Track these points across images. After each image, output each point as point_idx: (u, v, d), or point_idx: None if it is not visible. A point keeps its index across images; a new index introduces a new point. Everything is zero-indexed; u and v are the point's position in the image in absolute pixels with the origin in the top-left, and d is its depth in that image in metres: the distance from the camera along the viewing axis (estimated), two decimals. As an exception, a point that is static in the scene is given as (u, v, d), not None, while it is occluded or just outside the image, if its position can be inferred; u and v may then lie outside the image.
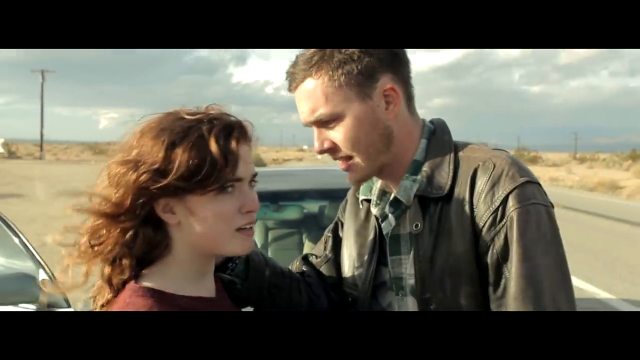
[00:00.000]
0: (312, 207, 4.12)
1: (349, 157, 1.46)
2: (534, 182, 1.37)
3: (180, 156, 1.18)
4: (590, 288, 8.18)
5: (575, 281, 8.46)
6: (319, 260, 1.76)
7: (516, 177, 1.35)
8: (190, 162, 1.18)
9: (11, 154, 59.86)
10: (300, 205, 3.94)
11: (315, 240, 3.67)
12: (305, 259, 1.78)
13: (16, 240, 3.42)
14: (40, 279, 3.16)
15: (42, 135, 65.24)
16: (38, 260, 3.28)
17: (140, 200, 1.20)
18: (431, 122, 1.57)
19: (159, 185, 1.18)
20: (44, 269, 3.22)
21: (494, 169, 1.37)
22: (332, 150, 1.46)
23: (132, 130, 1.26)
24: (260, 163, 41.70)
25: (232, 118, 1.27)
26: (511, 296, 1.30)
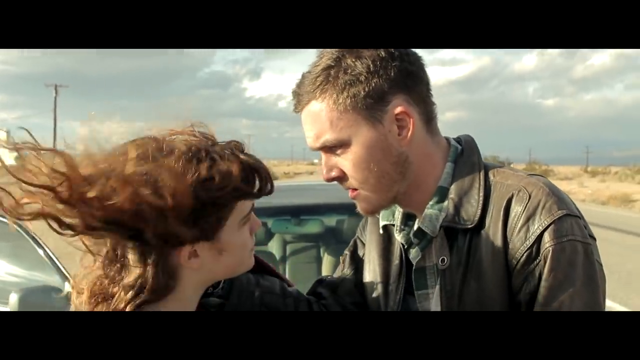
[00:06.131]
0: (331, 221, 4.13)
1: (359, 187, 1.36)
2: (572, 215, 1.24)
3: (230, 193, 1.11)
4: (606, 302, 8.12)
5: (590, 295, 8.41)
6: (336, 279, 1.63)
7: (553, 209, 1.23)
8: (236, 197, 1.14)
9: (24, 168, 60.08)
10: (319, 219, 3.94)
11: (333, 253, 3.71)
12: (320, 281, 1.66)
13: (40, 252, 3.43)
14: (66, 291, 3.08)
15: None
16: (64, 273, 3.23)
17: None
18: (458, 140, 1.45)
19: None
20: (69, 281, 3.20)
21: (529, 199, 1.25)
22: (341, 179, 1.36)
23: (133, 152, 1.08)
24: (273, 177, 41.53)
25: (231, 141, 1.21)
26: None
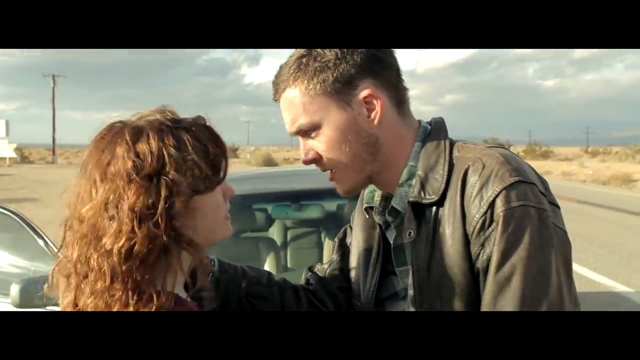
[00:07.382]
0: (331, 205, 4.14)
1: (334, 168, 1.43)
2: (526, 182, 1.26)
3: (197, 157, 1.16)
4: (607, 281, 8.15)
5: (592, 275, 8.48)
6: (324, 265, 1.75)
7: (505, 177, 1.26)
8: (206, 160, 1.18)
9: (24, 159, 60.20)
10: (320, 204, 3.95)
11: (334, 238, 3.70)
12: (310, 268, 1.79)
13: (41, 242, 3.43)
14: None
15: (54, 139, 65.48)
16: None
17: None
18: (429, 122, 1.49)
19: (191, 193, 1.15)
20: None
21: (483, 169, 1.29)
22: (317, 161, 1.42)
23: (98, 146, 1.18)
24: (272, 163, 41.65)
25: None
26: (485, 305, 1.25)
